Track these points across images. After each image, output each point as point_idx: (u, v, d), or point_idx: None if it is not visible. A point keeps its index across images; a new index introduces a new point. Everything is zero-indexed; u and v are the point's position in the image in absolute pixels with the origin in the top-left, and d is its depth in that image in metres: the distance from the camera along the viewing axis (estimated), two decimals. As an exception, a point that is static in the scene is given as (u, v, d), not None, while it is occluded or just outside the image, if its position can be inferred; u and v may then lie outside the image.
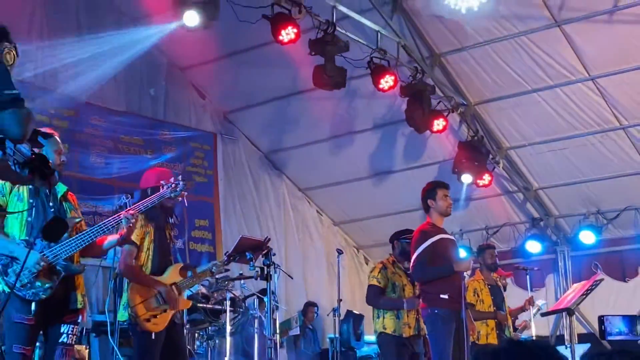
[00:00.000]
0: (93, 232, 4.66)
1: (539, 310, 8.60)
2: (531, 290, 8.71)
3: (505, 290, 8.28)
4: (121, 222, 4.81)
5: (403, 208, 11.58)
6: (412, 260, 6.51)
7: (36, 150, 3.29)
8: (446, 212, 6.60)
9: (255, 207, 11.82)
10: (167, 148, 10.64)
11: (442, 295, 6.30)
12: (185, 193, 5.36)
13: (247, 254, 6.04)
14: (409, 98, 9.72)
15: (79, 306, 4.71)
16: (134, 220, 4.86)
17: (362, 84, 10.06)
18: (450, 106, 10.28)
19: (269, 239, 6.30)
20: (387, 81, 9.22)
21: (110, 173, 9.79)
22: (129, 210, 4.90)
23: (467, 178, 10.49)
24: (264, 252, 6.03)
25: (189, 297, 7.39)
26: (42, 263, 4.43)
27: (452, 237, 6.70)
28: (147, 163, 10.13)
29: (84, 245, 4.63)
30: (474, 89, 10.28)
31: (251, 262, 5.87)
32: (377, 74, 9.22)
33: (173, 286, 5.59)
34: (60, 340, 4.61)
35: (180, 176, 5.40)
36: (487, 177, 10.67)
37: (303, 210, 12.66)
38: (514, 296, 9.16)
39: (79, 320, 4.74)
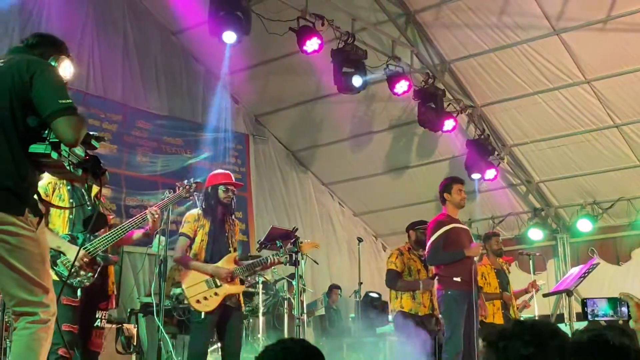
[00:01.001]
0: (124, 228, 4.77)
1: (537, 290, 8.57)
2: (534, 273, 8.69)
3: (509, 273, 8.26)
4: (146, 217, 4.88)
5: (417, 200, 11.57)
6: (427, 246, 6.56)
7: (90, 152, 3.33)
8: (460, 205, 6.71)
9: (283, 200, 11.85)
10: (204, 148, 10.67)
11: (455, 278, 6.36)
12: (198, 194, 5.45)
13: (277, 242, 6.08)
14: (422, 101, 9.70)
15: (109, 293, 4.82)
16: (157, 215, 4.92)
17: (379, 88, 10.07)
18: (459, 108, 10.27)
19: (297, 229, 6.34)
20: (401, 86, 9.21)
21: (155, 170, 9.86)
22: (152, 207, 4.98)
23: (476, 175, 10.48)
24: (292, 240, 6.05)
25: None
26: (85, 258, 4.54)
27: (465, 227, 6.77)
28: (187, 161, 10.21)
29: (117, 239, 4.72)
30: (480, 92, 10.25)
31: (281, 249, 5.89)
32: (393, 79, 9.21)
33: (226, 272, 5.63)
34: (95, 325, 4.69)
35: (192, 179, 5.45)
36: (492, 172, 10.64)
37: (326, 203, 12.68)
38: (518, 279, 9.12)
39: (109, 307, 4.83)
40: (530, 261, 8.75)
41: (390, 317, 9.86)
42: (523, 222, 11.99)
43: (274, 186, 11.77)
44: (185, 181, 5.41)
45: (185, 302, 5.60)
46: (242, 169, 11.26)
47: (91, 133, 3.33)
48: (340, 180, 12.48)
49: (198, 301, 5.49)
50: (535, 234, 11.64)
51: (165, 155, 10.10)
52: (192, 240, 5.64)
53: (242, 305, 5.88)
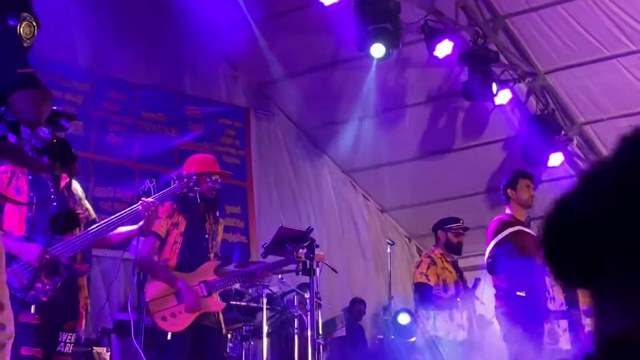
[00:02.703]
0: (102, 228, 4.71)
1: None
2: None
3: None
4: (138, 212, 4.86)
5: (462, 192, 11.52)
6: (487, 251, 6.59)
7: (58, 134, 3.29)
8: (528, 204, 6.79)
9: (293, 192, 11.84)
10: (193, 125, 10.66)
11: (518, 293, 6.35)
12: (198, 189, 5.44)
13: (287, 245, 6.05)
14: (469, 66, 9.65)
15: (81, 310, 4.79)
16: (153, 208, 4.90)
17: (414, 51, 10.03)
18: (516, 75, 10.21)
19: (312, 229, 6.30)
20: (443, 47, 9.17)
21: (131, 154, 9.85)
22: (146, 200, 4.95)
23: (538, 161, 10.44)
24: (305, 244, 6.02)
25: (221, 294, 7.43)
26: (43, 260, 4.46)
27: (532, 232, 6.73)
28: (172, 142, 10.20)
29: (91, 243, 4.68)
30: (543, 55, 10.17)
31: (292, 256, 5.87)
32: (432, 39, 9.17)
33: (201, 285, 5.62)
34: (57, 349, 4.67)
35: (193, 172, 5.45)
36: (559, 156, 10.58)
37: (347, 196, 12.66)
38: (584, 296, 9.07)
39: (77, 327, 4.80)
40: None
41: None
42: (597, 222, 11.91)
43: (282, 174, 11.76)
44: (185, 173, 5.39)
45: (148, 317, 5.58)
46: (240, 152, 11.24)
47: (59, 110, 3.29)
48: (365, 167, 12.45)
49: (164, 318, 5.48)
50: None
51: (144, 135, 10.09)
52: (164, 241, 5.63)
53: (223, 326, 5.89)
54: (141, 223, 4.93)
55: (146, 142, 10.00)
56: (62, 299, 4.63)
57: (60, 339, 4.70)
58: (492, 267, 6.72)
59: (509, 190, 6.77)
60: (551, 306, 7.77)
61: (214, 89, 11.14)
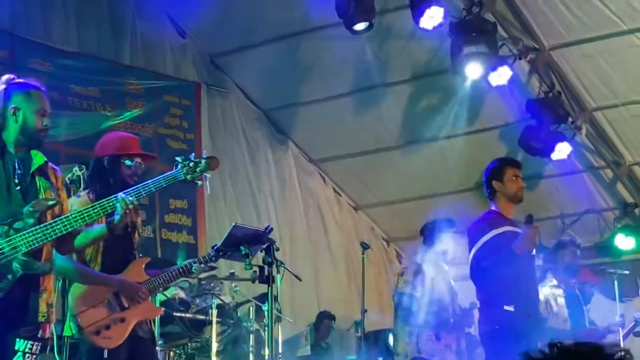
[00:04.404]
0: (71, 220, 4.68)
1: (635, 325, 8.63)
2: (621, 300, 8.71)
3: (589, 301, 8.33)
4: (115, 206, 4.84)
5: (451, 188, 11.58)
6: (470, 257, 6.57)
7: None
8: (516, 197, 6.70)
9: (250, 184, 11.85)
10: (132, 103, 10.61)
11: (506, 307, 6.35)
12: (208, 176, 5.33)
13: (241, 248, 6.06)
14: (461, 39, 9.67)
15: (40, 319, 4.74)
16: (132, 205, 4.88)
17: (398, 19, 10.06)
18: (517, 51, 10.24)
19: (271, 229, 6.32)
20: (431, 16, 9.18)
21: (56, 135, 9.76)
22: (123, 193, 4.92)
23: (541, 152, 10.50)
24: (264, 246, 6.04)
25: (162, 304, 7.43)
26: None
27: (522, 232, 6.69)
28: (106, 122, 10.15)
29: (55, 237, 4.65)
30: (549, 28, 10.23)
31: (247, 259, 5.88)
32: (419, 6, 9.18)
33: None
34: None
35: (205, 151, 5.39)
36: (565, 148, 10.65)
37: (315, 189, 12.70)
38: (597, 309, 9.17)
39: (40, 335, 4.77)
40: (616, 282, 8.79)
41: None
42: (607, 224, 12.03)
43: (237, 163, 11.75)
44: (192, 155, 5.32)
45: (75, 333, 5.56)
46: (188, 136, 11.22)
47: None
48: (336, 155, 12.49)
49: (97, 332, 5.48)
50: (625, 242, 11.69)
51: (74, 112, 10.03)
52: None
53: (156, 335, 5.94)
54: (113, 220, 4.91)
55: (75, 121, 9.94)
56: (15, 300, 4.60)
57: (17, 348, 4.67)
58: (475, 273, 6.63)
59: (494, 182, 6.68)
60: (553, 322, 7.88)
61: (158, 59, 11.09)
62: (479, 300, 6.69)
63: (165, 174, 5.13)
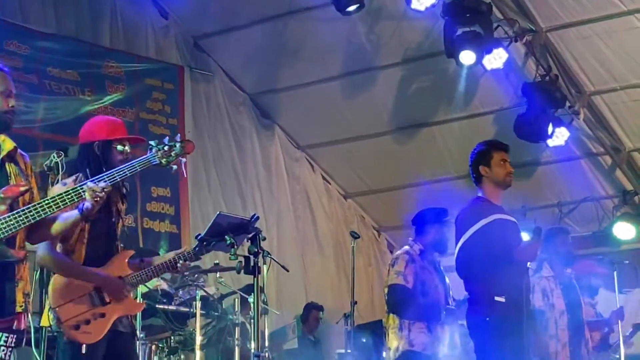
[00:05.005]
0: (44, 206, 4.66)
1: (634, 332, 8.68)
2: (620, 292, 8.74)
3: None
4: (82, 193, 4.82)
5: (443, 174, 11.59)
6: (456, 249, 6.55)
7: None
8: (504, 183, 6.61)
9: (235, 171, 11.84)
10: (113, 87, 10.60)
11: (497, 298, 6.34)
12: (184, 160, 5.31)
13: (226, 237, 6.05)
14: (455, 20, 9.67)
15: (18, 309, 4.73)
16: (104, 193, 4.86)
17: (388, 0, 10.01)
18: (513, 33, 10.25)
19: (257, 217, 6.30)
20: (424, -4, 9.20)
21: (33, 121, 9.77)
22: (93, 181, 4.90)
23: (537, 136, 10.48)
24: (250, 236, 6.03)
25: (144, 296, 7.42)
26: None
27: (512, 219, 6.69)
28: (85, 107, 10.14)
29: (28, 224, 4.64)
30: (546, 9, 10.23)
31: (232, 249, 5.87)
32: (411, -15, 9.19)
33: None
34: None
35: (179, 137, 5.36)
36: (562, 133, 10.67)
37: (303, 177, 12.71)
38: (603, 301, 9.21)
39: (15, 327, 4.76)
40: (615, 273, 8.81)
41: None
42: (606, 212, 12.06)
43: (222, 148, 11.74)
44: (166, 139, 5.31)
45: (54, 326, 5.56)
46: (171, 121, 11.22)
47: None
48: (325, 141, 12.49)
49: (76, 327, 5.47)
50: (625, 231, 11.72)
51: (51, 97, 10.02)
52: None
53: (137, 328, 5.93)
54: (85, 205, 4.88)
55: (53, 105, 9.93)
56: None
57: None
58: (462, 268, 6.61)
59: (481, 167, 6.58)
60: (550, 314, 7.91)
61: (140, 41, 11.07)
62: (468, 291, 6.62)
63: (139, 158, 5.12)
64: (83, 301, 5.51)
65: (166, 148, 5.13)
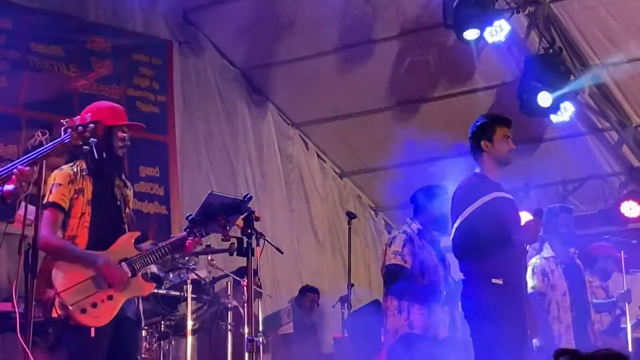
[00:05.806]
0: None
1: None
2: (627, 273, 8.79)
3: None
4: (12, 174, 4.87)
5: (443, 152, 11.62)
6: (453, 229, 6.55)
7: None
8: (506, 159, 6.58)
9: (227, 150, 11.86)
10: (98, 62, 10.59)
11: (494, 280, 6.34)
12: (94, 140, 5.36)
13: (218, 218, 6.11)
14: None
15: None
16: (26, 174, 4.90)
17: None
18: (515, 4, 10.26)
19: (250, 197, 6.35)
20: (422, -34, 9.21)
21: (16, 98, 9.78)
22: (19, 163, 4.93)
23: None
24: (242, 217, 6.08)
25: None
26: None
27: (510, 197, 6.69)
28: (70, 84, 10.15)
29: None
30: (549, -23, 10.25)
31: (225, 229, 5.93)
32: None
33: (123, 263, 5.69)
34: None
35: (89, 116, 5.39)
36: (566, 108, 10.69)
37: (297, 155, 12.73)
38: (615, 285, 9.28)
39: None
40: (622, 253, 8.86)
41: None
42: (612, 190, 12.10)
43: (212, 126, 11.76)
44: (77, 118, 5.38)
45: (60, 312, 5.61)
46: (159, 98, 11.20)
47: None
48: (320, 118, 12.51)
49: (84, 310, 5.53)
50: (631, 209, 11.76)
51: (35, 73, 10.03)
52: (67, 213, 5.69)
53: (142, 317, 6.00)
54: (9, 187, 4.93)
55: (36, 82, 9.94)
56: None
57: None
58: (459, 248, 6.53)
59: (482, 142, 6.52)
60: (551, 295, 7.97)
61: (126, 15, 11.04)
62: (463, 272, 6.57)
63: (53, 141, 5.17)
64: (88, 284, 5.57)
65: (80, 129, 5.18)
